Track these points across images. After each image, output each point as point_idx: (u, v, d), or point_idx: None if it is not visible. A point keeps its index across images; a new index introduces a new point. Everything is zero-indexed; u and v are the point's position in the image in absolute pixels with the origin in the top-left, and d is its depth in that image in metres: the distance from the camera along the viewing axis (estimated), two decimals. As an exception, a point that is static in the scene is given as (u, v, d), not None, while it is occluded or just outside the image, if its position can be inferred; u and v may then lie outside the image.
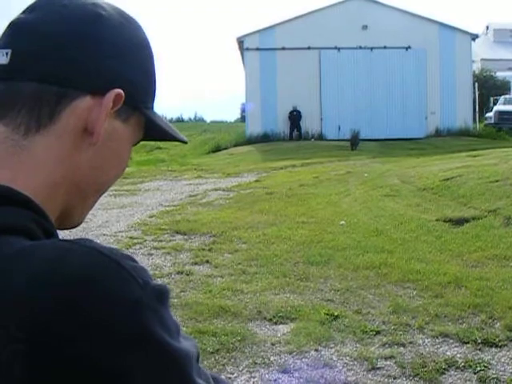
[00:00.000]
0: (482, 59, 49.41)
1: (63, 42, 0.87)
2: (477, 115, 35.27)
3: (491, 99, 38.89)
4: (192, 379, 0.77)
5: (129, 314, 0.72)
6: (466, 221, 9.76)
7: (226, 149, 31.67)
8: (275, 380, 4.80)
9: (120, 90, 0.89)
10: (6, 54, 0.87)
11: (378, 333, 5.66)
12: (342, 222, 10.34)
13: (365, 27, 33.54)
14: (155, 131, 0.99)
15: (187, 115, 72.00)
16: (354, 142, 28.50)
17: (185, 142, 1.07)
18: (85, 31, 0.88)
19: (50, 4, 0.90)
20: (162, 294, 0.77)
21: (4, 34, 0.90)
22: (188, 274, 7.54)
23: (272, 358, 5.16)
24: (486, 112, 37.61)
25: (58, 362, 0.69)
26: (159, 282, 0.80)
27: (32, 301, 0.70)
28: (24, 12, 0.91)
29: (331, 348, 5.36)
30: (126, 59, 0.92)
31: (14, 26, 0.90)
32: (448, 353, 5.18)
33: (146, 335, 0.73)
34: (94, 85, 0.88)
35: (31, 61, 0.86)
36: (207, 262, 8.16)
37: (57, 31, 0.87)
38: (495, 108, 35.72)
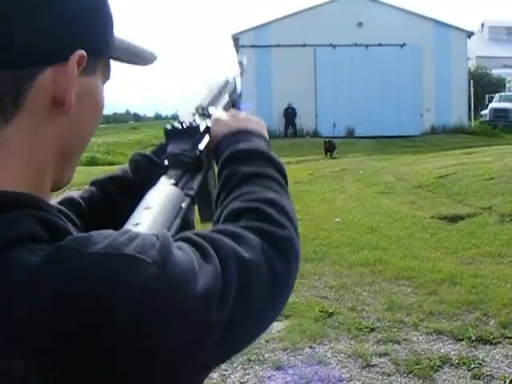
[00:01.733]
0: (477, 56, 49.42)
1: (5, 15, 0.77)
2: (472, 112, 35.31)
3: (486, 96, 38.94)
4: (208, 323, 0.76)
5: (153, 294, 0.72)
6: (461, 218, 9.77)
7: (221, 146, 31.65)
8: (269, 377, 4.80)
9: (82, 52, 0.82)
10: None
11: (372, 330, 5.66)
12: (337, 219, 10.34)
13: (360, 24, 33.56)
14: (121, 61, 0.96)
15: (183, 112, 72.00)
16: (330, 147, 22.31)
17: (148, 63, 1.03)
18: None
19: None
20: (165, 249, 0.76)
21: None
22: (182, 271, 7.54)
23: (266, 355, 5.16)
24: (482, 109, 37.67)
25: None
26: (159, 234, 0.79)
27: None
28: None
29: (325, 345, 5.37)
30: (79, 12, 0.83)
31: None
32: (442, 350, 5.19)
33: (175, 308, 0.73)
34: (53, 55, 0.80)
35: None
36: (202, 259, 8.15)
37: None
38: (490, 105, 35.78)
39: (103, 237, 0.75)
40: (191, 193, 1.11)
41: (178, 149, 1.16)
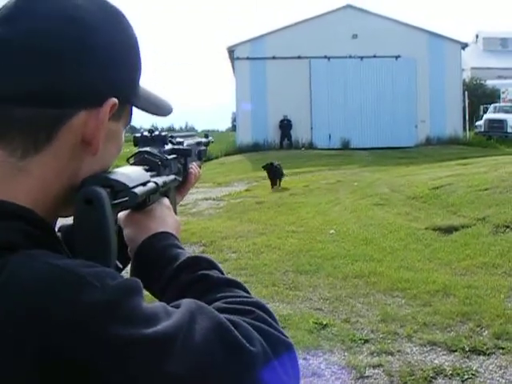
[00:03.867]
0: (472, 68, 49.58)
1: (52, 59, 0.82)
2: (467, 123, 35.37)
3: (481, 107, 39.01)
4: (161, 368, 0.75)
5: (89, 317, 0.72)
6: (455, 229, 9.78)
7: (216, 158, 31.63)
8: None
9: (115, 100, 0.87)
10: None
11: (366, 341, 5.66)
12: (332, 231, 10.34)
13: (355, 36, 33.66)
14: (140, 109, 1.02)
15: (178, 124, 72.11)
16: (274, 174, 16.58)
17: (165, 115, 1.10)
18: (73, 44, 0.83)
19: (25, 15, 0.83)
20: (126, 290, 0.77)
21: None
22: (177, 284, 7.52)
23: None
24: (476, 120, 37.73)
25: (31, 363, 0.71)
26: (125, 278, 0.81)
27: None
28: None
29: (319, 357, 5.37)
30: (117, 62, 0.89)
31: None
32: (436, 361, 5.19)
33: (107, 336, 0.73)
34: (88, 100, 0.86)
35: (18, 81, 0.82)
36: (197, 271, 8.13)
37: (41, 47, 0.82)
38: (485, 116, 35.82)
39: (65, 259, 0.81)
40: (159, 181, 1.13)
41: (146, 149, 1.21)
